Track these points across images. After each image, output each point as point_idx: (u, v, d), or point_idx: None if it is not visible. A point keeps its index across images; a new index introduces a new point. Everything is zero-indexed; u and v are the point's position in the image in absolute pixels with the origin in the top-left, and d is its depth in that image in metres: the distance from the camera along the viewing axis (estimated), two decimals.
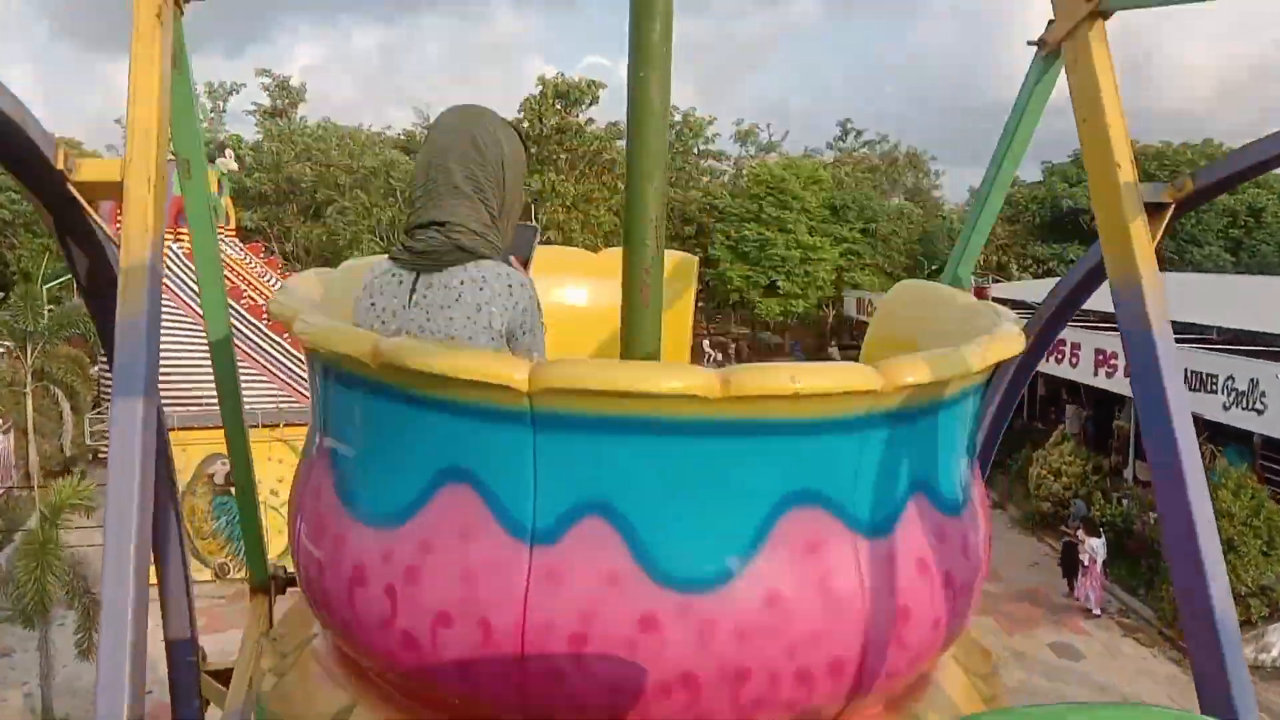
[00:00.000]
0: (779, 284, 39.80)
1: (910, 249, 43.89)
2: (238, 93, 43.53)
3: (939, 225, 47.98)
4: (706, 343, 42.67)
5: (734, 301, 42.84)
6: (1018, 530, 19.80)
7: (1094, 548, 15.42)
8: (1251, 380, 14.11)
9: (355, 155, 38.24)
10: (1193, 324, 19.91)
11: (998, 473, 22.61)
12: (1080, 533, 15.79)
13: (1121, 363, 17.93)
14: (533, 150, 38.68)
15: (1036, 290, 30.45)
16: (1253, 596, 13.88)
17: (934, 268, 45.66)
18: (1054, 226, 42.41)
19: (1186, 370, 15.78)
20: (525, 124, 39.13)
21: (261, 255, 30.17)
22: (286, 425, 16.68)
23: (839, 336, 46.29)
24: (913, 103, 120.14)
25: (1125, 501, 18.60)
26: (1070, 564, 16.31)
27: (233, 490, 13.79)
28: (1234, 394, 14.50)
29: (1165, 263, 38.53)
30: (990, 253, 43.47)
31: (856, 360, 2.14)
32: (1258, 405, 14.01)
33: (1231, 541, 13.71)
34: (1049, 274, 41.30)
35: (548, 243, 33.42)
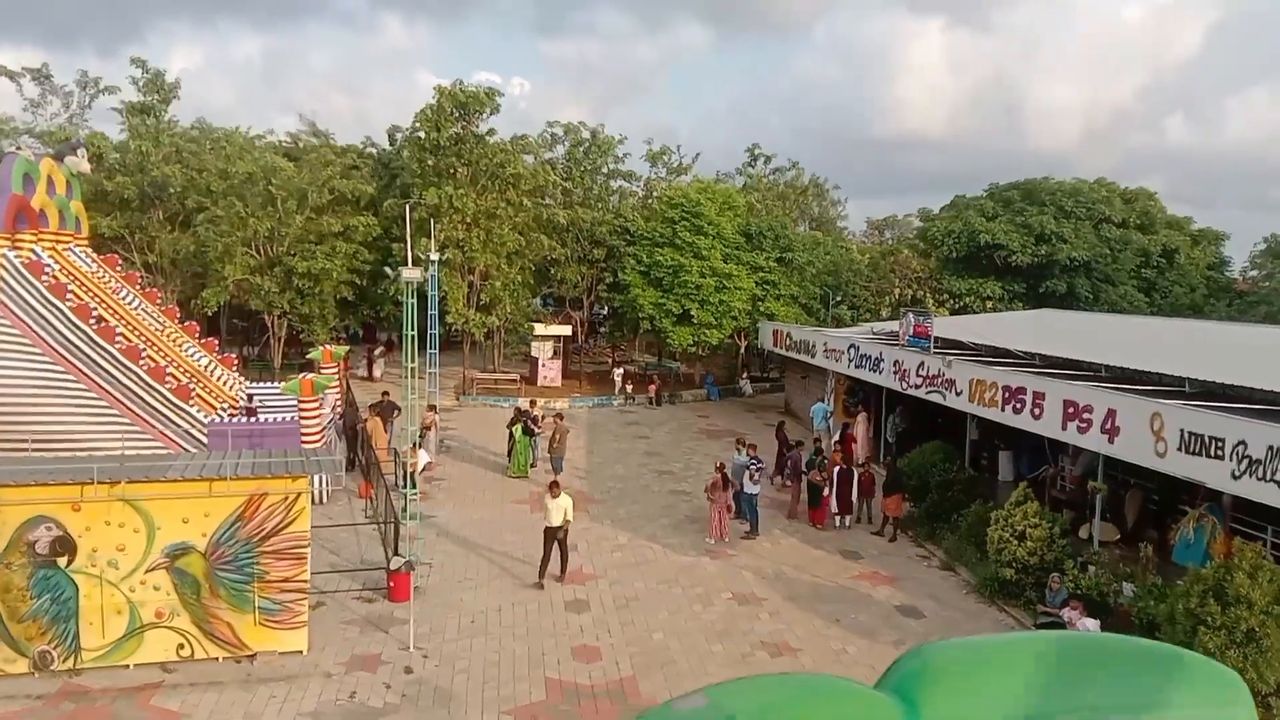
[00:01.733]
0: (692, 313, 37.71)
1: (823, 279, 42.46)
2: (112, 94, 39.30)
3: (844, 257, 46.83)
4: (618, 372, 40.23)
5: (643, 330, 40.61)
6: (974, 598, 17.91)
7: (1090, 629, 13.53)
8: (1271, 448, 12.40)
9: (231, 159, 34.58)
10: (1163, 374, 18.43)
11: (944, 529, 20.78)
12: (1070, 612, 13.89)
13: (1098, 417, 16.21)
14: (429, 163, 35.73)
15: (970, 327, 29.05)
16: (1275, 696, 12.10)
17: (838, 299, 44.45)
18: (969, 261, 41.57)
19: (1183, 431, 14.08)
20: (421, 134, 36.15)
21: (118, 268, 26.49)
22: (129, 482, 13.50)
23: (749, 369, 44.52)
24: (799, 134, 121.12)
25: (1093, 570, 16.89)
26: None
27: (59, 561, 10.54)
28: (1247, 461, 12.77)
29: (1081, 302, 38.18)
30: (905, 287, 42.38)
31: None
32: (1278, 475, 12.30)
33: (1252, 633, 11.95)
34: (964, 310, 40.44)
35: (445, 262, 30.39)
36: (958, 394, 21.35)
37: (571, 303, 42.90)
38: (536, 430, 26.65)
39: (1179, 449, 14.10)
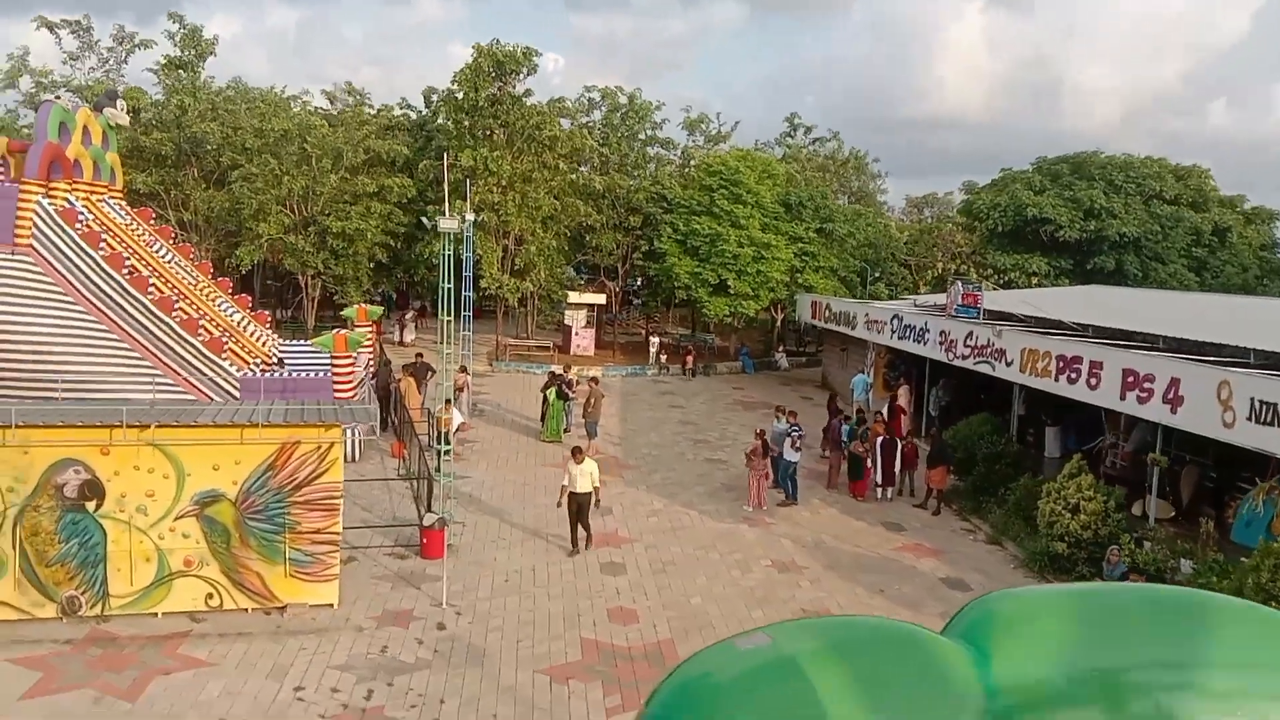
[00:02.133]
0: (729, 283, 37.05)
1: (863, 253, 41.64)
2: (147, 48, 38.98)
3: (884, 234, 45.96)
4: (655, 340, 39.67)
5: (678, 300, 39.99)
6: (1023, 573, 17.29)
7: None
8: None
9: (266, 117, 34.23)
10: (1224, 344, 17.66)
11: (990, 503, 20.14)
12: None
13: (1159, 387, 15.50)
14: (465, 124, 35.23)
15: (1018, 300, 28.25)
16: None
17: (876, 275, 43.61)
18: (1015, 235, 40.57)
19: (1254, 399, 13.37)
20: (460, 94, 35.62)
21: (152, 222, 26.23)
22: (159, 426, 13.16)
23: (784, 342, 43.85)
24: (833, 113, 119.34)
25: (1149, 546, 16.23)
26: None
27: (87, 505, 10.19)
28: None
29: (1130, 280, 37.16)
30: (948, 261, 41.48)
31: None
32: None
33: None
34: (1009, 285, 39.50)
35: (480, 225, 29.99)
36: (1008, 364, 20.65)
37: (606, 271, 42.36)
38: (571, 395, 26.21)
39: (1249, 418, 13.40)
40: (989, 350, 21.49)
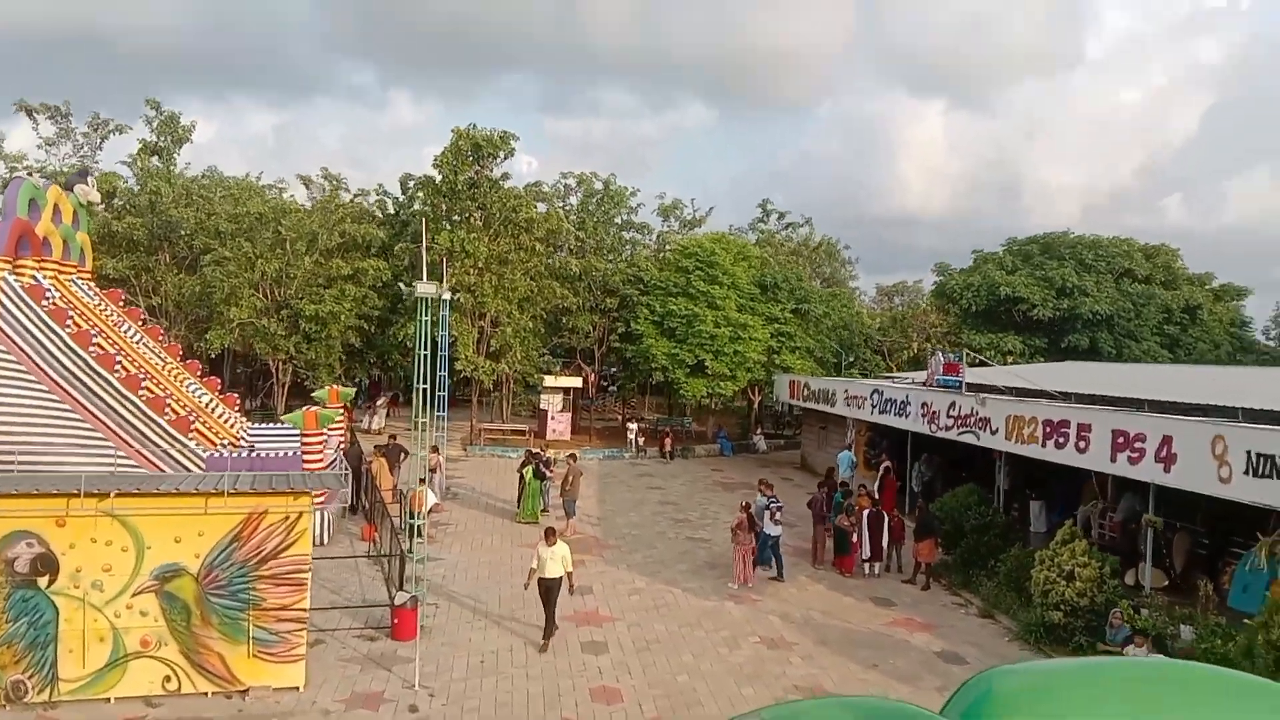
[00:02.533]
0: (706, 363, 36.85)
1: (838, 334, 41.70)
2: (123, 133, 38.99)
3: (856, 318, 46.17)
4: (633, 426, 39.15)
5: (656, 382, 39.71)
6: (1019, 645, 16.69)
7: None
8: None
9: (241, 201, 34.11)
10: (1210, 405, 17.48)
11: (980, 576, 19.62)
12: (1136, 650, 12.75)
13: (1151, 446, 15.23)
14: (443, 207, 35.27)
15: (996, 375, 28.17)
16: None
17: (850, 360, 43.61)
18: (989, 315, 40.79)
19: (1250, 453, 13.10)
20: (438, 177, 35.73)
21: (120, 303, 25.76)
22: (118, 495, 12.53)
23: (762, 424, 43.52)
24: (803, 210, 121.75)
25: (1146, 612, 15.73)
26: None
27: (39, 580, 9.53)
28: None
29: (1104, 358, 37.27)
30: (923, 341, 41.57)
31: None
32: None
33: None
34: (982, 364, 39.51)
35: (456, 306, 29.75)
36: (993, 433, 20.38)
37: (582, 354, 42.12)
38: (548, 474, 25.61)
39: (1245, 472, 13.12)
40: (973, 420, 21.24)
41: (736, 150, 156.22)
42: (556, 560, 15.71)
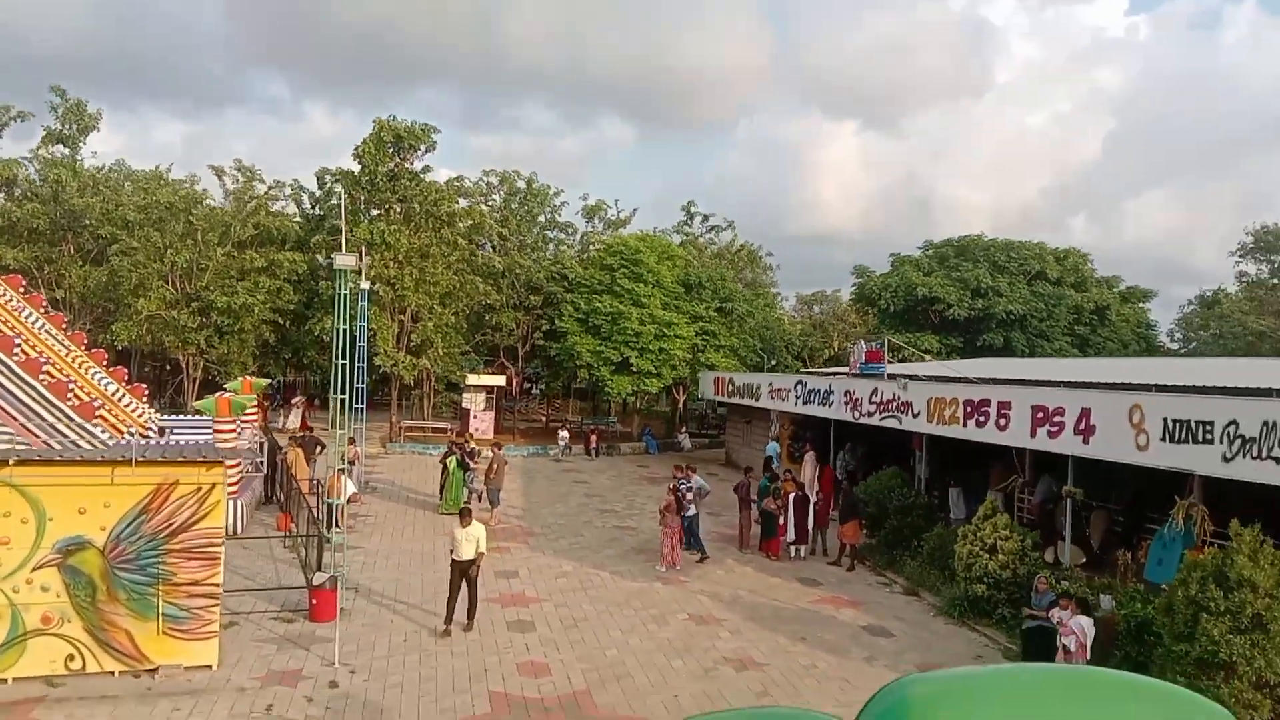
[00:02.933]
0: (632, 361, 36.73)
1: (761, 333, 42.01)
2: (24, 119, 37.17)
3: (778, 323, 46.63)
4: (563, 434, 38.73)
5: (580, 384, 39.44)
6: (943, 620, 16.85)
7: (1083, 627, 12.56)
8: (1266, 423, 11.77)
9: (150, 191, 32.90)
10: (1128, 383, 17.95)
11: (904, 557, 19.83)
12: (1060, 612, 12.93)
13: (1070, 419, 15.55)
14: (362, 199, 34.57)
15: (916, 370, 28.62)
16: None
17: (772, 364, 43.97)
18: (906, 316, 41.54)
19: (1167, 420, 13.44)
20: (358, 168, 34.98)
21: (21, 290, 24.58)
22: (19, 463, 11.86)
23: (687, 424, 43.57)
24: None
25: (1067, 585, 16.01)
26: (1041, 652, 13.40)
27: None
28: (1239, 441, 12.13)
29: (1017, 355, 38.17)
30: (843, 341, 42.13)
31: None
32: (1275, 451, 11.66)
33: (1259, 618, 11.11)
34: (902, 361, 40.18)
35: (375, 299, 29.14)
36: (914, 416, 20.63)
37: (506, 352, 41.64)
38: (472, 465, 25.15)
39: (1162, 439, 13.45)
40: (895, 404, 21.49)
41: (657, 168, 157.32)
42: (472, 541, 15.15)
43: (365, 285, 26.08)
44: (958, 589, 16.99)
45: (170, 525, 12.50)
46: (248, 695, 11.98)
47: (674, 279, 39.30)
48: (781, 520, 20.97)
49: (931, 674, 4.30)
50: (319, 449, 25.49)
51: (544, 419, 45.96)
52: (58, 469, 12.16)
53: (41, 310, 24.81)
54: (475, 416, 38.81)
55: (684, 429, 42.11)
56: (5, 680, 11.87)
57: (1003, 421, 17.47)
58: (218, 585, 12.89)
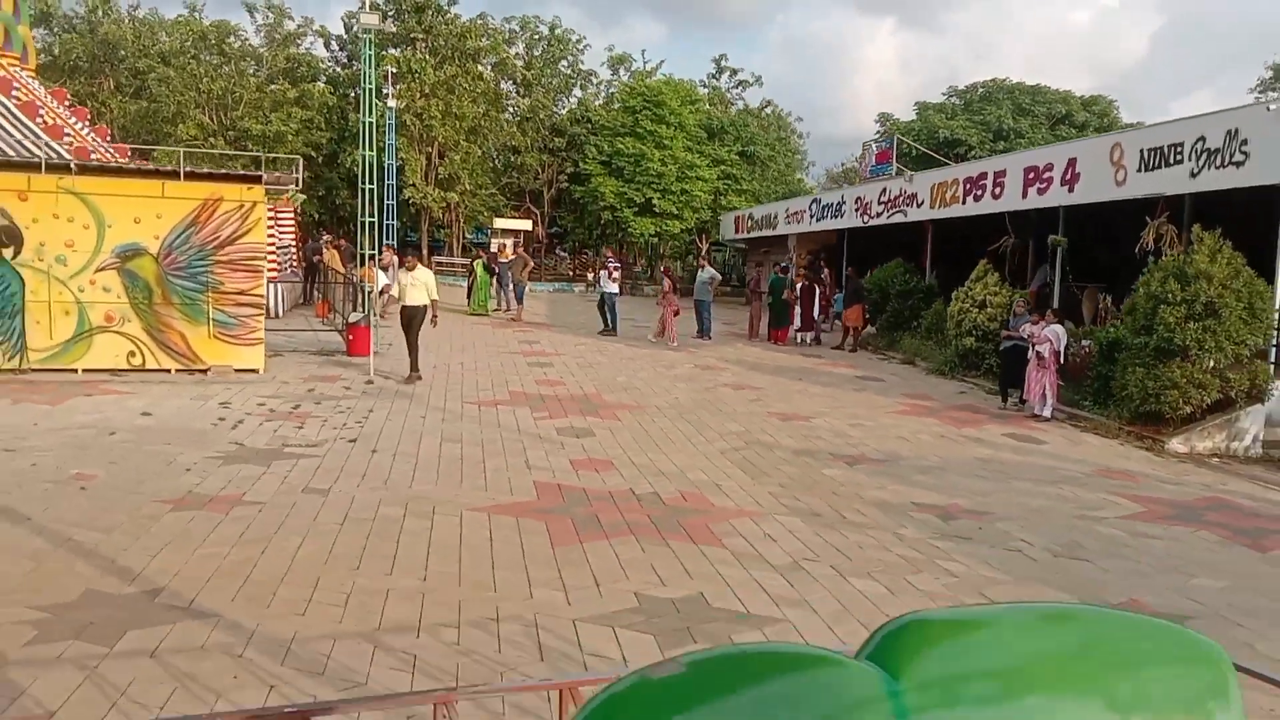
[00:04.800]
0: (654, 202, 37.54)
1: (786, 178, 42.49)
2: None
3: (799, 185, 46.92)
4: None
5: (605, 221, 40.29)
6: (935, 378, 17.96)
7: (1056, 334, 13.60)
8: (1229, 131, 12.54)
9: (185, 23, 33.73)
10: None
11: (904, 337, 20.89)
12: (1032, 327, 13.94)
13: (1058, 173, 16.34)
14: (391, 30, 35.17)
15: None
16: (1232, 370, 12.26)
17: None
18: (929, 160, 41.72)
19: (1142, 150, 14.21)
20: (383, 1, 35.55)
21: (67, 102, 25.75)
22: (79, 172, 13.09)
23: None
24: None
25: None
26: (1012, 377, 14.49)
27: (4, 252, 10.01)
28: (1205, 156, 12.91)
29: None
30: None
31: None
32: (1236, 157, 12.45)
33: (1212, 305, 12.06)
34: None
35: (402, 132, 29.85)
36: (919, 205, 21.42)
37: (532, 196, 42.52)
38: (497, 269, 26.33)
39: (1138, 169, 14.24)
40: (901, 199, 22.26)
41: (688, 69, 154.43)
42: (419, 286, 14.42)
43: (392, 104, 26.92)
44: (949, 349, 18.05)
45: (217, 238, 13.75)
46: (291, 386, 13.37)
47: (696, 123, 39.73)
48: (794, 311, 22.05)
49: (932, 611, 5.02)
50: (355, 257, 26.71)
51: (571, 274, 46.95)
52: (114, 181, 13.40)
53: (87, 121, 26.08)
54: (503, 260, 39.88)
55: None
56: (76, 370, 13.32)
57: (998, 190, 18.26)
58: (261, 296, 14.22)
